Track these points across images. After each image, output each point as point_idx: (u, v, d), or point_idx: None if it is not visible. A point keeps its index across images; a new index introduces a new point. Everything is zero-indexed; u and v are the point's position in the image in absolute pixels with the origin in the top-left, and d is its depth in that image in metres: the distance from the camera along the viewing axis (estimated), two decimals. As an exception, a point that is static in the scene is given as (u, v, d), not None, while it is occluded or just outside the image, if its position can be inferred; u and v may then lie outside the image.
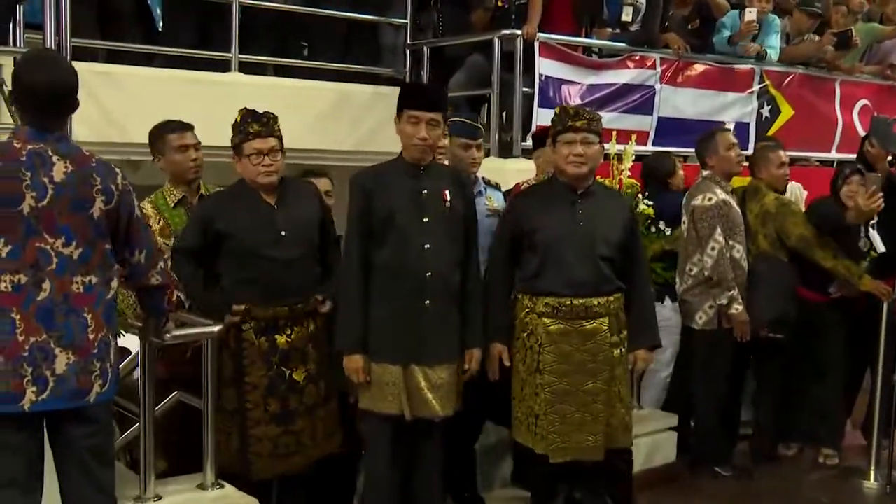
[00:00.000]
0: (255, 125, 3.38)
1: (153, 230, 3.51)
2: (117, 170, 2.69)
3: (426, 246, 3.32)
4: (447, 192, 3.40)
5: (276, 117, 3.45)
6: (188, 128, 3.70)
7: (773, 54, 6.25)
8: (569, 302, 3.44)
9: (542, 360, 3.46)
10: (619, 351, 3.54)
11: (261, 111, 3.42)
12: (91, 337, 2.59)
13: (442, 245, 3.36)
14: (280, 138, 3.44)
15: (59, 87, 2.59)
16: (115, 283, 2.67)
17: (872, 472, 4.64)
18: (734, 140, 4.58)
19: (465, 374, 3.46)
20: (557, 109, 3.65)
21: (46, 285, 2.53)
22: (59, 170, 2.55)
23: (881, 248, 4.45)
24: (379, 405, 3.36)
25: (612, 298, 3.50)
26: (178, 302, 3.44)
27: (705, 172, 4.55)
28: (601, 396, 3.48)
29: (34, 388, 2.52)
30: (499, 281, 3.57)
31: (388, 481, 3.43)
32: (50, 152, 2.55)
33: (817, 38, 6.60)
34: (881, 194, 4.30)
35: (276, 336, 3.39)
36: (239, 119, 3.41)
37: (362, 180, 3.38)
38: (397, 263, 3.31)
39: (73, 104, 2.66)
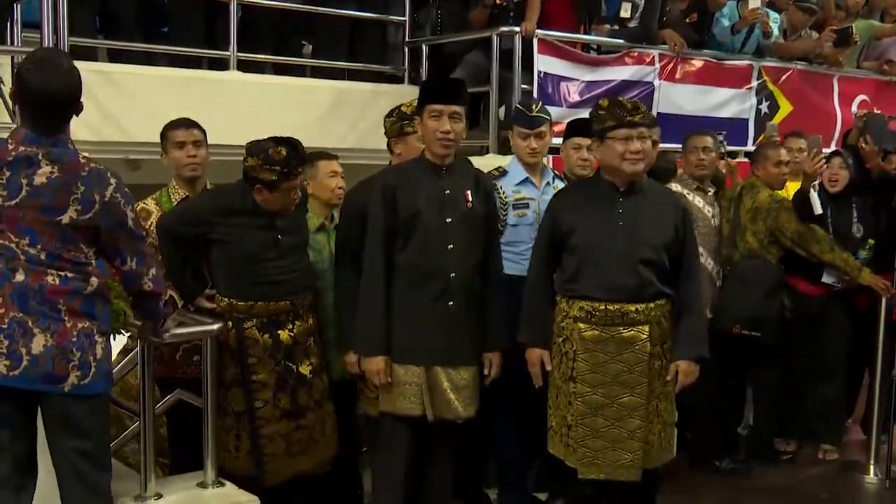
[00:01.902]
0: (299, 168, 3.31)
1: (153, 229, 3.50)
2: (112, 181, 2.64)
3: (450, 246, 3.31)
4: (469, 191, 3.38)
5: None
6: (193, 125, 3.64)
7: (776, 33, 6.26)
8: (603, 307, 3.25)
9: (576, 367, 3.29)
10: (659, 363, 3.31)
11: (290, 140, 3.32)
12: (69, 325, 2.57)
13: (465, 245, 3.34)
14: None
15: (54, 92, 2.55)
16: (94, 280, 2.64)
17: (872, 467, 4.66)
18: (703, 144, 4.49)
19: (485, 379, 3.44)
20: (605, 102, 3.36)
21: (21, 274, 2.54)
22: (43, 174, 2.53)
23: (819, 209, 4.52)
24: (400, 406, 3.33)
25: (653, 305, 3.27)
26: (169, 301, 3.45)
27: (680, 170, 4.58)
28: (639, 411, 3.26)
29: (7, 363, 2.51)
30: (538, 282, 3.42)
31: (402, 483, 3.41)
32: (40, 156, 2.54)
33: (815, 34, 6.60)
34: (822, 155, 4.50)
35: (279, 332, 3.38)
36: (281, 156, 3.25)
37: (385, 180, 3.36)
38: (421, 264, 3.30)
39: (71, 109, 2.62)
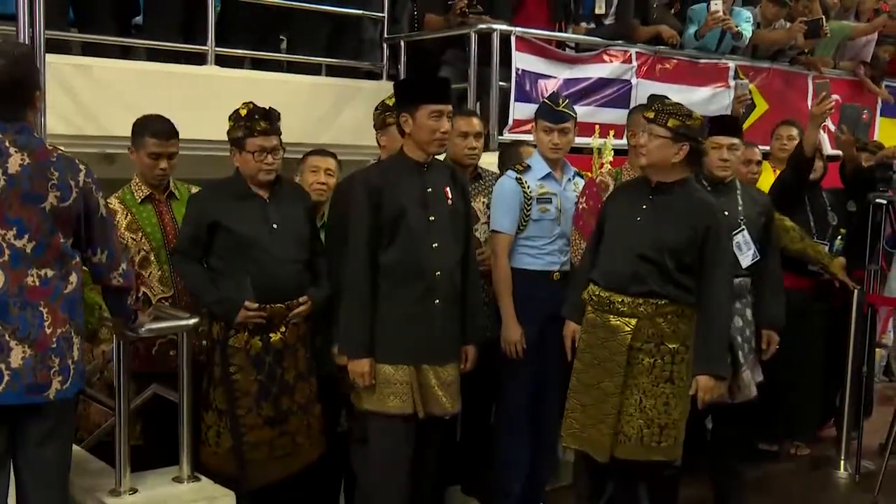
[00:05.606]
0: (262, 122, 3.34)
1: (119, 228, 3.48)
2: (81, 167, 2.64)
3: (434, 245, 3.31)
4: (448, 189, 3.39)
5: (279, 114, 3.40)
6: (171, 136, 3.57)
7: (747, 34, 6.28)
8: (598, 292, 3.41)
9: (579, 345, 3.50)
10: (651, 360, 3.32)
11: (266, 107, 3.37)
12: (48, 331, 2.55)
13: (448, 243, 3.36)
14: (280, 135, 3.41)
15: (12, 76, 2.54)
16: (74, 278, 2.63)
17: (842, 462, 4.72)
18: None
19: (462, 370, 3.47)
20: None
21: (0, 277, 2.50)
22: (15, 162, 2.51)
23: (828, 150, 4.53)
24: (389, 405, 3.31)
25: (640, 301, 3.31)
26: (143, 299, 3.44)
27: None
28: (612, 399, 3.35)
29: None
30: (583, 267, 3.56)
31: (397, 480, 3.37)
32: (7, 144, 2.53)
33: (788, 25, 6.66)
34: (832, 98, 4.46)
35: (271, 334, 3.37)
36: (244, 113, 3.35)
37: (369, 178, 3.34)
38: (407, 263, 3.29)
39: (28, 93, 2.60)
